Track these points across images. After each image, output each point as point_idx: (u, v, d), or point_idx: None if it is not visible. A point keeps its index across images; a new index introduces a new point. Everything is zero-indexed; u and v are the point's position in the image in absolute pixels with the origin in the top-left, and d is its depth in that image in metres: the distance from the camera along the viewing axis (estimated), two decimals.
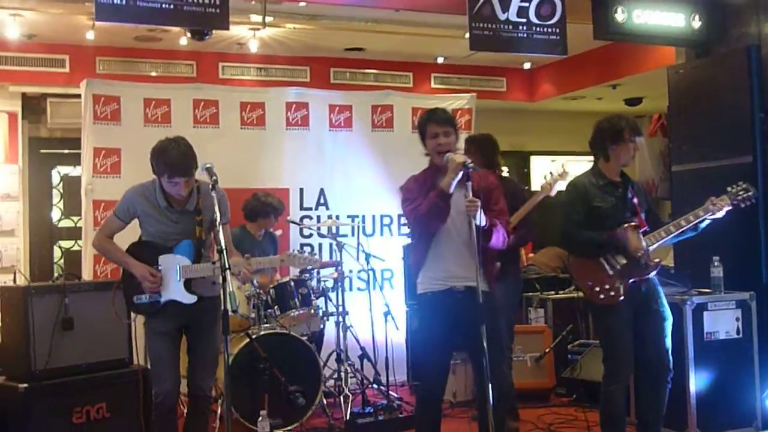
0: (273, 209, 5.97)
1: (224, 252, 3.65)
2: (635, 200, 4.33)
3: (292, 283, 5.69)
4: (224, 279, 3.59)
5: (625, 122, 4.29)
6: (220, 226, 3.76)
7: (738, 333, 4.98)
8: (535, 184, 11.24)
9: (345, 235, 6.58)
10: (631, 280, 4.22)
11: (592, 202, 4.27)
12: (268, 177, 6.59)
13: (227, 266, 3.60)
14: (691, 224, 4.24)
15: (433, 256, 3.91)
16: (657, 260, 4.26)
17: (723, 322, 4.95)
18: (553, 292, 7.06)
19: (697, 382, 4.82)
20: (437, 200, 3.79)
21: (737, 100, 5.40)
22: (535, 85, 9.87)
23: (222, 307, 3.65)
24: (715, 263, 4.99)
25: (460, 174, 3.76)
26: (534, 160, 11.12)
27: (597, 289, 4.23)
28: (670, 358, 4.31)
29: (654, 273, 4.28)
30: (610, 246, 4.22)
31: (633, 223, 4.24)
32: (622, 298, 4.19)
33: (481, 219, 3.70)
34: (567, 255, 4.58)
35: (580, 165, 11.49)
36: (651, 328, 4.28)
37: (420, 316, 4.10)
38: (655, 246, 4.25)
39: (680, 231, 4.25)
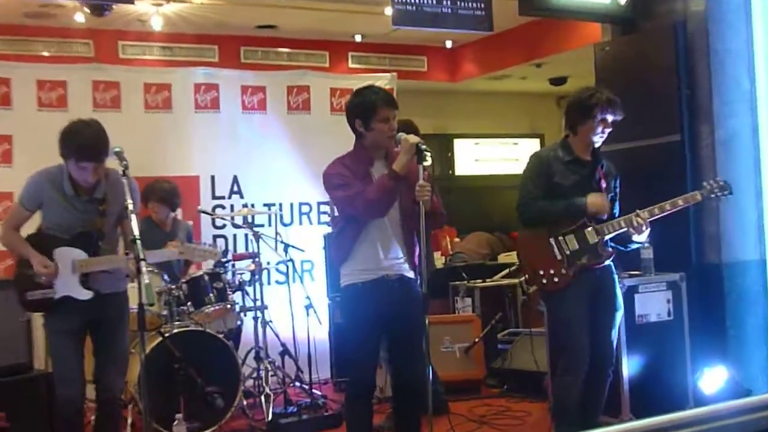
0: (165, 193, 5.57)
1: (137, 242, 3.51)
2: (602, 183, 4.16)
3: (206, 277, 5.44)
4: (139, 270, 3.49)
5: (598, 99, 4.01)
6: (133, 215, 3.61)
7: (669, 315, 4.96)
8: (459, 169, 11.12)
9: (261, 225, 6.34)
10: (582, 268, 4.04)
11: (552, 178, 4.08)
12: (176, 164, 6.29)
13: (142, 257, 3.48)
14: (655, 216, 4.03)
15: (362, 244, 3.76)
16: (610, 249, 4.11)
17: (654, 304, 4.92)
18: (480, 281, 6.92)
19: (629, 366, 4.78)
20: (390, 182, 3.62)
21: (664, 78, 5.33)
22: (458, 65, 9.73)
23: (137, 302, 3.51)
24: (645, 245, 4.89)
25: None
26: (457, 143, 11.00)
27: (541, 273, 4.06)
28: (615, 350, 4.24)
29: (609, 261, 4.14)
30: (569, 209, 4.01)
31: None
32: (566, 286, 4.02)
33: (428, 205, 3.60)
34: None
35: (504, 148, 11.50)
36: (602, 319, 4.13)
37: (347, 308, 3.93)
38: (611, 235, 4.09)
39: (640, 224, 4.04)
